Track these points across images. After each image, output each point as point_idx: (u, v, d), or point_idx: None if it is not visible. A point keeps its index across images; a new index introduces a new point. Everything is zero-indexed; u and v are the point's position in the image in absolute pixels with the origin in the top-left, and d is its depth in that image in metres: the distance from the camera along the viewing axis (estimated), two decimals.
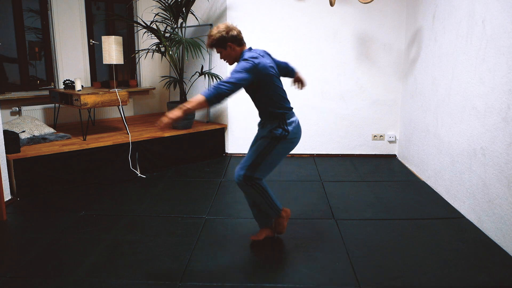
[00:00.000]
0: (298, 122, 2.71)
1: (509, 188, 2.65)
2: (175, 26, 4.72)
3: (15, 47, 4.78)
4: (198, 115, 5.42)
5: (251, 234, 2.86)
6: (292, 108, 2.71)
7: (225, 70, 5.01)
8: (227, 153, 5.17)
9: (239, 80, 2.44)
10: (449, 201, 3.53)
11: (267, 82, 2.57)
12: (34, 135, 4.10)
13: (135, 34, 5.69)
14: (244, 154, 5.16)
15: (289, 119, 2.63)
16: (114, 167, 4.13)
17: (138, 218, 3.22)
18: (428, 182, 4.00)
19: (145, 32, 4.81)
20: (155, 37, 4.68)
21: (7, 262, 2.57)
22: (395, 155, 5.04)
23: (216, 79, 4.77)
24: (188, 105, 2.34)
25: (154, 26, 4.59)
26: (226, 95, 2.41)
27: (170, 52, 4.56)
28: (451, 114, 3.52)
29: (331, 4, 4.05)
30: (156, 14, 4.69)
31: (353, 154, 5.09)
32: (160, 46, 4.64)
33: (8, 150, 3.54)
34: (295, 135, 2.65)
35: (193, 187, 3.96)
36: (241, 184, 2.59)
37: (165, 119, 2.31)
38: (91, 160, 3.98)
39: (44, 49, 5.04)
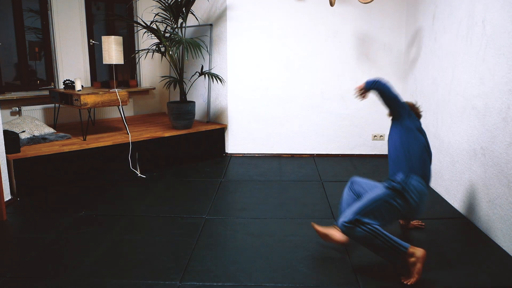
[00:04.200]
0: None
1: (509, 188, 2.65)
2: (175, 26, 4.72)
3: (15, 47, 4.78)
4: (198, 115, 5.43)
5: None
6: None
7: (225, 71, 5.02)
8: (227, 153, 5.17)
9: None
10: (449, 201, 3.53)
11: None
12: (34, 135, 4.10)
13: (135, 34, 5.70)
14: (244, 154, 5.17)
15: None
16: (114, 167, 4.13)
17: (138, 218, 3.22)
18: None
19: (145, 32, 4.81)
20: (155, 37, 4.68)
21: (7, 262, 2.57)
22: None
23: (216, 79, 4.77)
24: None
25: (154, 26, 4.58)
26: None
27: (170, 52, 4.56)
28: (451, 114, 3.52)
29: (331, 4, 4.05)
30: (156, 14, 4.69)
31: (353, 154, 5.09)
32: (160, 46, 4.64)
33: (8, 150, 3.54)
34: None
35: (193, 187, 3.96)
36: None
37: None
38: (91, 160, 3.99)
39: (44, 49, 5.04)
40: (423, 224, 3.05)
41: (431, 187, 3.91)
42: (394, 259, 2.36)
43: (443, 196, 3.65)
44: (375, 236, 2.32)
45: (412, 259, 2.32)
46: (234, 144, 5.16)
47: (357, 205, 2.42)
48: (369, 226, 2.33)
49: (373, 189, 2.64)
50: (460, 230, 3.03)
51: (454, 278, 2.38)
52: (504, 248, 2.70)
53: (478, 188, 3.04)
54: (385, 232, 2.34)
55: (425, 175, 2.55)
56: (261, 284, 2.32)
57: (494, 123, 2.83)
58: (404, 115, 2.57)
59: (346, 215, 2.39)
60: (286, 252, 2.69)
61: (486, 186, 2.92)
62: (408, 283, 2.31)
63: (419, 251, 2.32)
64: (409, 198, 2.44)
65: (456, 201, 3.40)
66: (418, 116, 2.80)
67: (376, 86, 2.56)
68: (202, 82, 5.30)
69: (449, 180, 3.54)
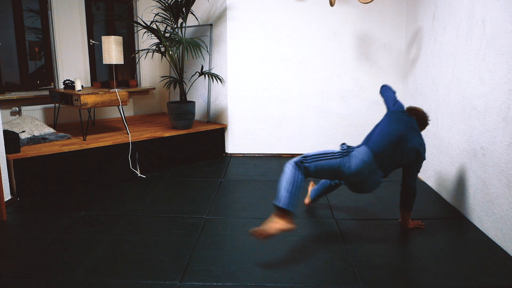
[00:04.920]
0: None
1: (509, 188, 2.65)
2: (175, 26, 4.72)
3: (15, 47, 4.78)
4: (198, 115, 5.43)
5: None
6: (361, 145, 2.86)
7: (225, 71, 5.02)
8: (227, 153, 5.18)
9: None
10: (449, 201, 3.53)
11: None
12: (34, 135, 4.10)
13: (135, 34, 5.70)
14: (244, 154, 5.17)
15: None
16: (114, 167, 4.13)
17: (138, 218, 3.22)
18: (428, 182, 4.00)
19: (145, 32, 4.81)
20: (155, 37, 4.69)
21: (7, 262, 2.57)
22: None
23: (216, 79, 4.77)
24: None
25: (154, 26, 4.59)
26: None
27: (170, 52, 4.56)
28: (451, 114, 3.52)
29: (331, 4, 4.05)
30: (156, 14, 4.69)
31: None
32: (160, 46, 4.64)
33: (8, 150, 3.54)
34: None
35: (193, 187, 3.96)
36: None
37: None
38: (91, 160, 3.98)
39: (44, 49, 5.04)
40: (423, 224, 3.05)
41: (431, 186, 3.91)
42: (282, 201, 2.51)
43: (443, 196, 3.66)
44: (293, 182, 2.56)
45: (273, 218, 2.49)
46: (234, 144, 5.16)
47: (310, 153, 2.74)
48: (299, 175, 2.59)
49: None
50: (460, 230, 3.03)
51: (454, 278, 2.38)
52: (504, 248, 2.70)
53: (478, 188, 3.04)
54: (298, 187, 2.56)
55: (379, 155, 2.73)
56: (261, 284, 2.32)
57: (494, 123, 2.83)
58: (389, 107, 3.05)
59: (298, 157, 2.69)
60: (286, 252, 2.69)
61: (486, 186, 2.92)
62: (252, 230, 2.50)
63: (286, 222, 2.49)
64: (351, 158, 2.71)
65: (456, 201, 3.40)
66: (424, 124, 3.02)
67: (380, 90, 3.26)
68: (202, 82, 5.30)
69: (449, 180, 3.54)
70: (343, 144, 2.85)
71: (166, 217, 3.24)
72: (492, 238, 2.84)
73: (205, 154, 4.91)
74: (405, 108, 3.01)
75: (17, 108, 4.66)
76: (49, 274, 2.40)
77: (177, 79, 4.80)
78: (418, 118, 2.97)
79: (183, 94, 4.82)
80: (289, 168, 2.63)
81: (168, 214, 3.29)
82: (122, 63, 4.48)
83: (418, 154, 2.84)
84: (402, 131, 2.80)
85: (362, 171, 2.71)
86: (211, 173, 4.40)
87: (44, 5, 4.91)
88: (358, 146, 2.81)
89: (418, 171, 2.94)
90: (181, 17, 4.73)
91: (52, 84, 5.11)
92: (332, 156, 2.72)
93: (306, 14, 4.84)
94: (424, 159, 2.89)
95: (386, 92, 3.18)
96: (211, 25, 5.11)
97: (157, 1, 4.66)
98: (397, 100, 3.05)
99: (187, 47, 4.39)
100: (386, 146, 2.76)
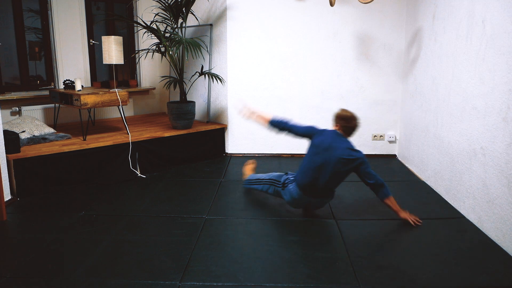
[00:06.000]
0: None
1: (509, 188, 2.65)
2: (175, 26, 4.72)
3: (15, 47, 4.78)
4: (198, 115, 5.43)
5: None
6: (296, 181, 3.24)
7: (225, 71, 5.02)
8: (227, 153, 5.17)
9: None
10: (449, 201, 3.53)
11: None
12: (34, 135, 4.10)
13: (135, 34, 5.69)
14: (244, 154, 5.17)
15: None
16: (114, 167, 4.13)
17: (138, 218, 3.22)
18: (428, 182, 4.00)
19: (145, 32, 4.81)
20: (155, 37, 4.68)
21: (7, 262, 2.57)
22: (395, 155, 5.04)
23: (216, 79, 4.77)
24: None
25: (154, 26, 4.58)
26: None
27: (170, 52, 4.55)
28: (451, 114, 3.52)
29: (331, 4, 4.05)
30: (156, 14, 4.69)
31: None
32: (160, 46, 4.64)
33: (8, 150, 3.54)
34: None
35: (193, 187, 3.96)
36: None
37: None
38: (91, 160, 3.98)
39: (44, 49, 5.04)
40: (420, 221, 3.09)
41: (431, 186, 3.91)
42: (249, 180, 3.72)
43: (443, 196, 3.66)
44: (257, 181, 3.59)
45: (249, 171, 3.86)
46: (234, 144, 5.16)
47: (258, 175, 3.61)
48: (253, 185, 3.63)
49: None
50: (460, 230, 3.03)
51: (454, 278, 2.38)
52: (504, 248, 2.70)
53: (478, 188, 3.04)
54: (256, 186, 3.60)
55: (307, 187, 3.09)
56: (261, 284, 2.32)
57: (494, 123, 2.83)
58: (308, 136, 3.21)
59: (248, 177, 3.74)
60: (286, 252, 2.69)
61: (486, 186, 2.92)
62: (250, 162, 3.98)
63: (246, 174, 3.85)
64: (286, 192, 3.25)
65: (456, 201, 3.40)
66: (351, 130, 3.08)
67: (280, 127, 3.35)
68: (202, 82, 5.30)
69: (449, 180, 3.54)
70: (286, 173, 3.35)
71: (166, 217, 3.24)
72: (492, 238, 2.84)
73: (205, 154, 4.91)
74: (315, 127, 3.19)
75: (17, 108, 4.66)
76: (49, 274, 2.40)
77: (177, 79, 4.80)
78: (343, 125, 3.05)
79: (183, 94, 4.82)
80: (252, 186, 3.65)
81: (168, 214, 3.29)
82: (122, 63, 4.48)
83: (351, 161, 2.95)
84: (326, 154, 2.99)
85: (297, 203, 3.23)
86: (211, 173, 4.40)
87: (44, 5, 4.91)
88: (292, 181, 3.22)
89: (369, 168, 3.00)
90: (181, 17, 4.73)
91: (52, 84, 5.11)
92: (279, 185, 3.32)
93: (306, 14, 4.84)
94: (362, 157, 2.98)
95: (288, 126, 3.29)
96: (211, 25, 5.11)
97: (157, 1, 4.66)
98: (303, 126, 3.23)
99: (187, 47, 4.39)
100: (312, 176, 3.04)
